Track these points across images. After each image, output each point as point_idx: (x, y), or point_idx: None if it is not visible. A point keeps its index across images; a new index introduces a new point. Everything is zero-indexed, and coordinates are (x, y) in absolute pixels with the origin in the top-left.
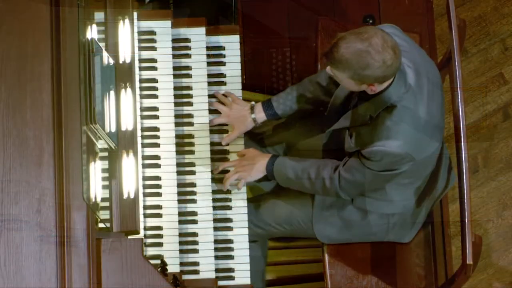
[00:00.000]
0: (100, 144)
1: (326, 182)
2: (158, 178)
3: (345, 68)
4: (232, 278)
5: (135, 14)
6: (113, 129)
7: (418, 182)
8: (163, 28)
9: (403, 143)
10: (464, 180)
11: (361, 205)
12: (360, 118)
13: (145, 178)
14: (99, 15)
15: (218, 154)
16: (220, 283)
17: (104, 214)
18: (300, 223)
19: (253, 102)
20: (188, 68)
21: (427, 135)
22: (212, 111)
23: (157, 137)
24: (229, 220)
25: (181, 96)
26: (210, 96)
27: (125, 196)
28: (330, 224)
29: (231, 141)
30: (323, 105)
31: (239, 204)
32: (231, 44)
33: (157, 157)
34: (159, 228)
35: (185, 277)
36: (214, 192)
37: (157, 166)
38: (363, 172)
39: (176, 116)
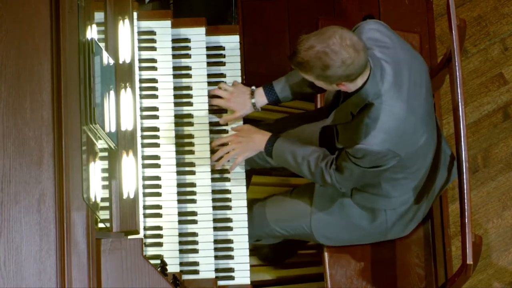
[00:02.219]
0: (100, 144)
1: (325, 175)
2: (158, 178)
3: (307, 71)
4: (232, 278)
5: (135, 14)
6: (113, 129)
7: (413, 177)
8: (163, 28)
9: (382, 141)
10: (464, 180)
11: (360, 201)
12: (343, 116)
13: (145, 178)
14: (99, 15)
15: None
16: (220, 283)
17: (104, 214)
18: (304, 228)
19: (253, 87)
20: (188, 68)
21: (408, 130)
22: (212, 111)
23: (157, 137)
24: (229, 220)
25: (181, 96)
26: (209, 96)
27: (125, 196)
28: (329, 224)
29: (229, 121)
30: (324, 89)
31: (239, 204)
32: (231, 44)
33: (157, 157)
34: (159, 228)
35: (185, 277)
36: (214, 192)
37: (157, 166)
38: (352, 168)
39: (176, 116)
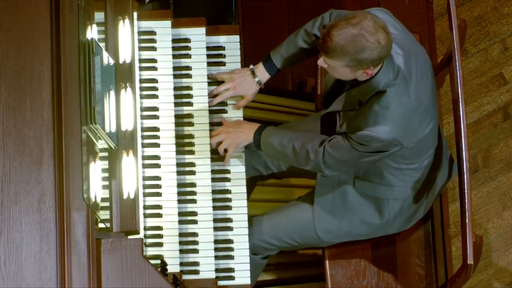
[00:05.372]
0: (100, 144)
1: (310, 154)
2: (158, 178)
3: (340, 56)
4: (232, 278)
5: (135, 14)
6: (113, 129)
7: (417, 168)
8: (163, 28)
9: (390, 129)
10: (464, 180)
11: (363, 190)
12: (350, 103)
13: (145, 178)
14: (99, 15)
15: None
16: (220, 283)
17: (104, 214)
18: (312, 234)
19: (251, 66)
20: (188, 68)
21: (416, 120)
22: (212, 111)
23: (157, 137)
24: (229, 220)
25: (181, 96)
26: (212, 96)
27: (125, 196)
28: (331, 215)
29: (242, 106)
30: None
31: (239, 204)
32: (231, 44)
33: (157, 157)
34: (159, 228)
35: (185, 277)
36: (214, 192)
37: (157, 166)
38: (348, 151)
39: (176, 116)
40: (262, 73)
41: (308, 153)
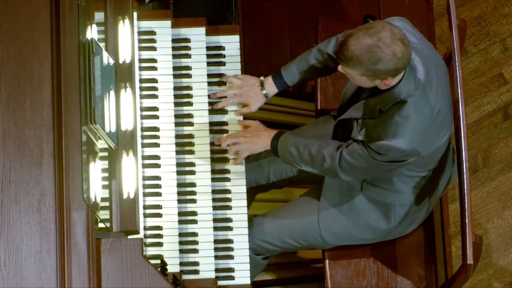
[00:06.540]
0: (100, 144)
1: (326, 159)
2: (158, 178)
3: (356, 65)
4: (232, 278)
5: (135, 14)
6: (113, 129)
7: (426, 175)
8: (163, 28)
9: (410, 140)
10: (464, 180)
11: (371, 195)
12: (369, 111)
13: (145, 178)
14: (99, 15)
15: (218, 145)
16: (220, 283)
17: (104, 214)
18: (317, 237)
19: (262, 78)
20: (188, 68)
21: (435, 131)
22: (212, 111)
23: (157, 137)
24: (229, 220)
25: (181, 96)
26: (213, 97)
27: (125, 196)
28: (337, 217)
29: (243, 114)
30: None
31: (239, 204)
32: (231, 44)
33: (157, 157)
34: (159, 228)
35: (185, 277)
36: (214, 192)
37: (157, 166)
38: (366, 159)
39: (176, 116)
40: (271, 87)
41: (324, 158)
